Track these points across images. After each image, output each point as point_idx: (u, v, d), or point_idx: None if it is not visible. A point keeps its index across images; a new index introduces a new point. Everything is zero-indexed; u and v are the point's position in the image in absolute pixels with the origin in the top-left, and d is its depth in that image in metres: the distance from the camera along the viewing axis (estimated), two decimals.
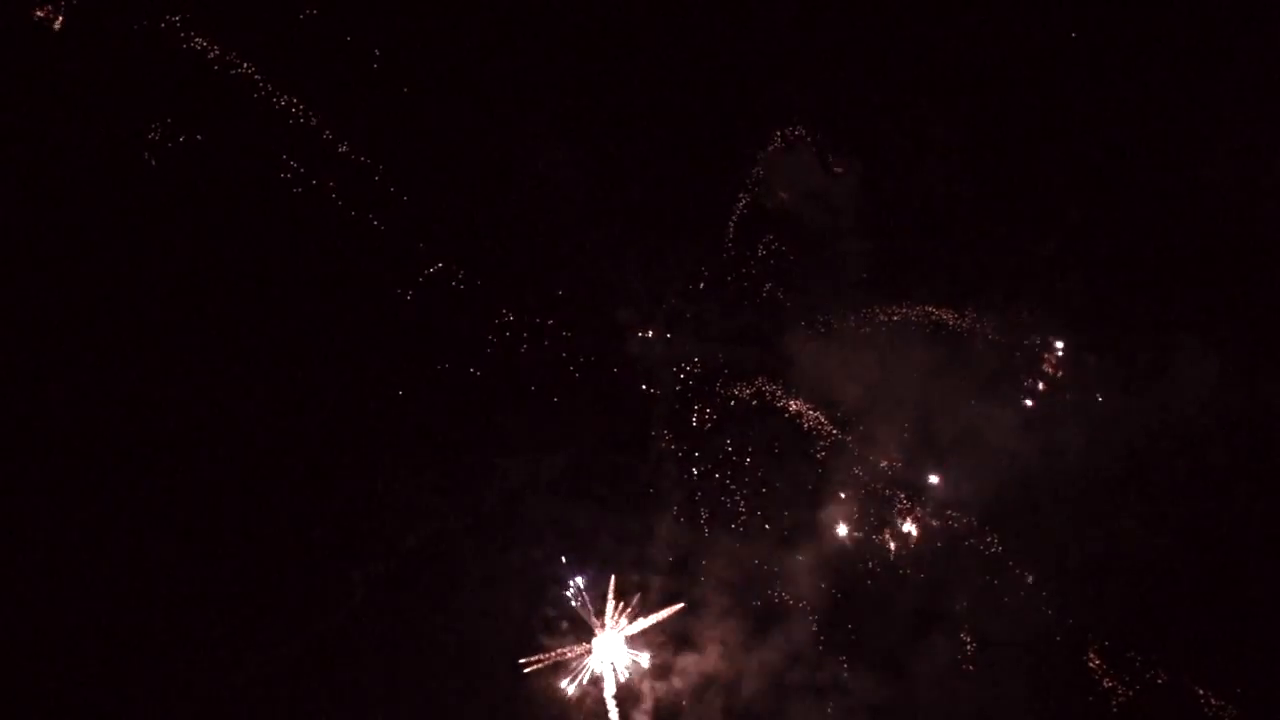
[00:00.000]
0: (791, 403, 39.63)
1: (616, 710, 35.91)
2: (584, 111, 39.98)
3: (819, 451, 39.23)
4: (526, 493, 37.95)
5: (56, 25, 32.64)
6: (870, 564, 38.19)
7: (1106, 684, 36.42)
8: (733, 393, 39.81)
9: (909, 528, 38.33)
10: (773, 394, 39.76)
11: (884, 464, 38.96)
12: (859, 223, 40.28)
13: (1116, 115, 39.78)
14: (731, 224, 40.42)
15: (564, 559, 36.89)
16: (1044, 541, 37.84)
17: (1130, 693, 36.18)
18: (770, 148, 40.32)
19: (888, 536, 38.34)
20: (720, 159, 40.89)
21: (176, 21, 35.43)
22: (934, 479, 38.81)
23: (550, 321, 38.83)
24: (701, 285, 40.51)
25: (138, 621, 33.30)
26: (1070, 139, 40.07)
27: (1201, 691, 35.66)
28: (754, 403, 39.82)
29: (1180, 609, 36.71)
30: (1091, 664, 36.64)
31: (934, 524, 38.29)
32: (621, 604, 36.52)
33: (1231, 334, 37.66)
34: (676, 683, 36.92)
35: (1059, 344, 39.35)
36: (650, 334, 40.04)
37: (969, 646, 37.03)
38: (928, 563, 38.13)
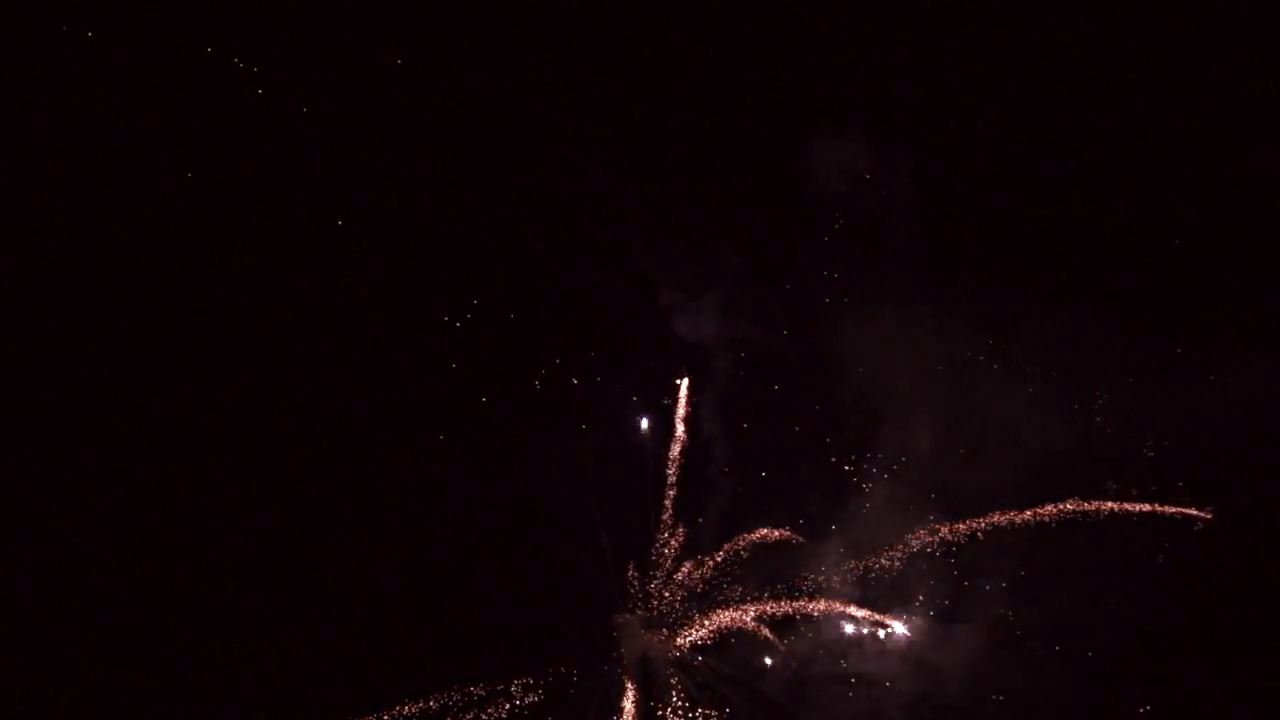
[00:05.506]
0: (831, 393, 39.81)
1: (637, 697, 36.53)
2: (636, 97, 39.82)
3: (857, 443, 39.42)
4: (558, 480, 38.64)
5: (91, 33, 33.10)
6: (902, 555, 38.06)
7: (1138, 682, 36.18)
8: (773, 383, 40.38)
9: (945, 521, 38.08)
10: (813, 384, 40.12)
11: (921, 457, 38.83)
12: (909, 215, 39.80)
13: (1176, 112, 38.22)
14: (775, 213, 40.53)
15: (597, 546, 37.71)
16: (1079, 538, 37.10)
17: (1162, 692, 35.91)
18: (822, 136, 39.65)
19: (921, 529, 38.16)
20: (771, 148, 40.53)
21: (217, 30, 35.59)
22: (969, 473, 38.21)
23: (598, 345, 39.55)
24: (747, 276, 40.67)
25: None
26: (1126, 138, 38.72)
27: (1236, 693, 35.14)
28: (795, 393, 40.25)
29: (1218, 608, 35.99)
30: (1125, 661, 36.39)
31: (970, 518, 38.03)
32: (649, 591, 37.27)
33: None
34: (702, 672, 37.62)
35: (1101, 342, 38.18)
36: (695, 322, 40.25)
37: (1000, 641, 37.09)
38: (960, 557, 37.97)
